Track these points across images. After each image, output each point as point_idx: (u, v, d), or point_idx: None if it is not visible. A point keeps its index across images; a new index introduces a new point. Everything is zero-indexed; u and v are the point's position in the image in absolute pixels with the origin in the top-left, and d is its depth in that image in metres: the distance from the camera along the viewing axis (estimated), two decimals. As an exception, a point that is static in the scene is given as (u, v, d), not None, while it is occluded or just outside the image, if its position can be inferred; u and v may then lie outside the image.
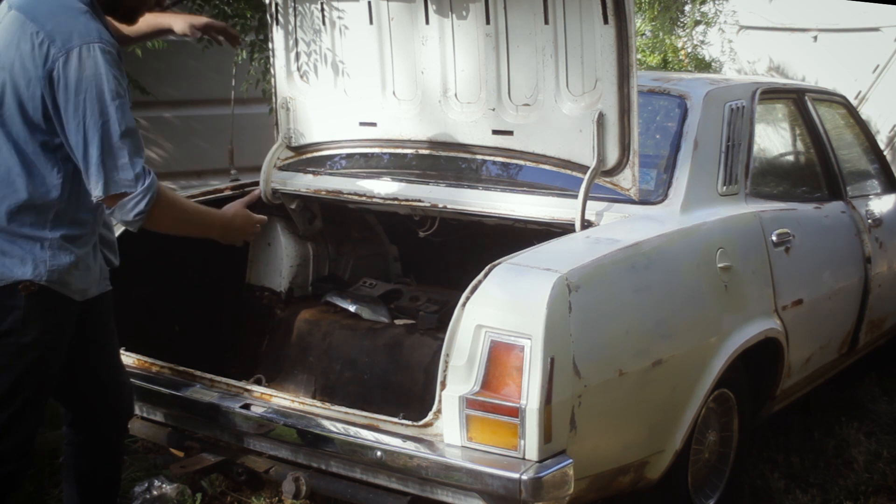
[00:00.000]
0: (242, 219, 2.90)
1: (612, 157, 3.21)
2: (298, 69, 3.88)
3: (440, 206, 3.53)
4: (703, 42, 8.01)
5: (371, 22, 3.65)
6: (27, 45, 2.50)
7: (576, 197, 3.18)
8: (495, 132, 3.48)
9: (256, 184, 3.92)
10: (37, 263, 2.54)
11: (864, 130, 4.95)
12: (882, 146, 5.73)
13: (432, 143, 3.65)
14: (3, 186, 2.55)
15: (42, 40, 2.48)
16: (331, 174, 3.84)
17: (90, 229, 2.66)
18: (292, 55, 3.87)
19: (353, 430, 2.86)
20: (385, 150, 3.79)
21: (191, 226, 2.77)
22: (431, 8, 3.49)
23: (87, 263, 2.65)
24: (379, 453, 2.77)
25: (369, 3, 3.62)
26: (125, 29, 2.98)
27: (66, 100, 2.47)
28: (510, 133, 3.45)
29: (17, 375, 2.58)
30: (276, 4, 3.80)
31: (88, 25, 2.50)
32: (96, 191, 2.49)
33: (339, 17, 3.72)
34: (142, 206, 2.51)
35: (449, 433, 2.70)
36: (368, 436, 2.82)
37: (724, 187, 3.51)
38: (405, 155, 3.73)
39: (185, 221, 2.72)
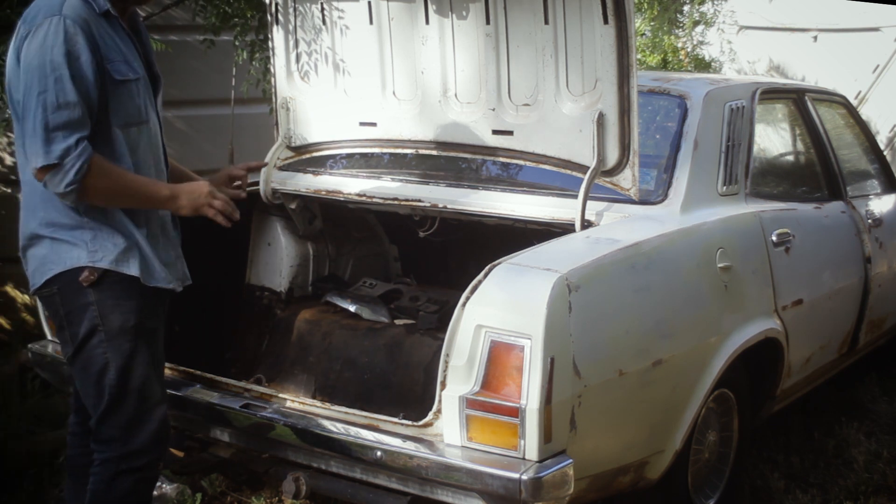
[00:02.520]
0: (196, 188, 2.73)
1: (612, 157, 3.21)
2: (298, 69, 3.88)
3: (440, 206, 3.53)
4: (702, 42, 8.02)
5: (371, 22, 3.65)
6: (15, 41, 2.58)
7: (576, 197, 3.18)
8: (495, 132, 3.48)
9: (256, 184, 3.92)
10: (89, 249, 2.59)
11: (864, 130, 4.95)
12: (882, 146, 5.73)
13: (432, 143, 3.65)
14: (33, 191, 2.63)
15: (19, 27, 2.56)
16: (331, 174, 3.84)
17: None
18: (292, 55, 3.87)
19: (353, 430, 2.86)
20: (385, 150, 3.79)
21: (131, 198, 2.65)
22: (431, 8, 3.49)
23: (143, 247, 2.67)
24: (379, 453, 2.77)
25: (369, 3, 3.62)
26: None
27: (21, 76, 2.52)
28: (510, 133, 3.45)
29: (120, 367, 2.63)
30: (276, 4, 3.80)
31: (54, 1, 2.53)
32: (31, 163, 2.51)
33: (340, 17, 3.72)
34: (70, 176, 2.48)
35: (449, 433, 2.70)
36: (368, 436, 2.82)
37: (724, 187, 3.51)
38: (405, 155, 3.73)
39: (123, 193, 2.62)
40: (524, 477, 2.54)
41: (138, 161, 2.70)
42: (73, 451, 2.96)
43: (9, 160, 5.17)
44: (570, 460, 2.63)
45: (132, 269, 2.64)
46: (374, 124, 3.77)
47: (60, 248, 2.61)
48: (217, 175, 3.06)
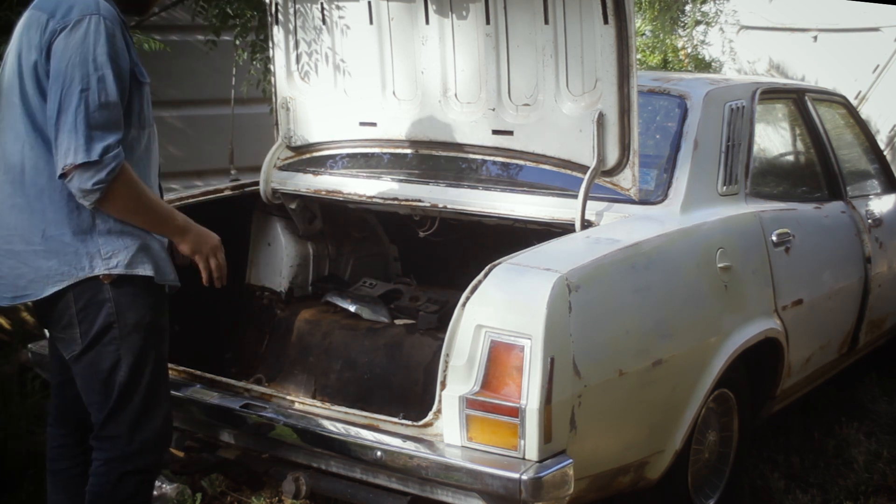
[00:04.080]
0: (206, 236, 2.76)
1: (612, 157, 3.21)
2: (298, 69, 3.88)
3: (440, 206, 3.53)
4: (703, 42, 8.02)
5: (371, 22, 3.65)
6: (35, 33, 2.54)
7: (576, 197, 3.18)
8: (495, 132, 3.48)
9: (256, 184, 3.92)
10: (103, 257, 2.57)
11: (864, 130, 4.95)
12: (882, 146, 5.73)
13: (432, 143, 3.65)
14: (47, 191, 2.58)
15: (45, 20, 2.53)
16: (331, 174, 3.84)
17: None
18: (292, 55, 3.87)
19: (353, 430, 2.86)
20: (385, 150, 3.79)
21: (145, 215, 2.62)
22: (431, 8, 3.49)
23: (150, 245, 2.66)
24: (379, 453, 2.77)
25: (369, 3, 3.62)
26: None
27: (54, 69, 2.49)
28: (510, 133, 3.45)
29: (132, 364, 2.62)
30: (276, 4, 3.80)
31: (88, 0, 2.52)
32: (65, 159, 2.45)
33: (340, 17, 3.72)
34: (102, 174, 2.45)
35: (449, 433, 2.70)
36: (368, 436, 2.82)
37: (724, 187, 3.51)
38: (405, 155, 3.73)
39: (140, 207, 2.59)
40: (524, 477, 2.54)
41: (148, 165, 2.71)
42: (59, 464, 2.91)
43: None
44: (570, 460, 2.63)
45: (147, 270, 2.64)
46: (374, 124, 3.77)
47: (72, 259, 2.57)
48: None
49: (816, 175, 4.34)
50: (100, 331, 2.60)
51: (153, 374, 2.68)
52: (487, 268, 2.77)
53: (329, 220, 4.08)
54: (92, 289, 2.59)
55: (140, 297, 2.64)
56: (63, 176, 2.48)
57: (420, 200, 3.57)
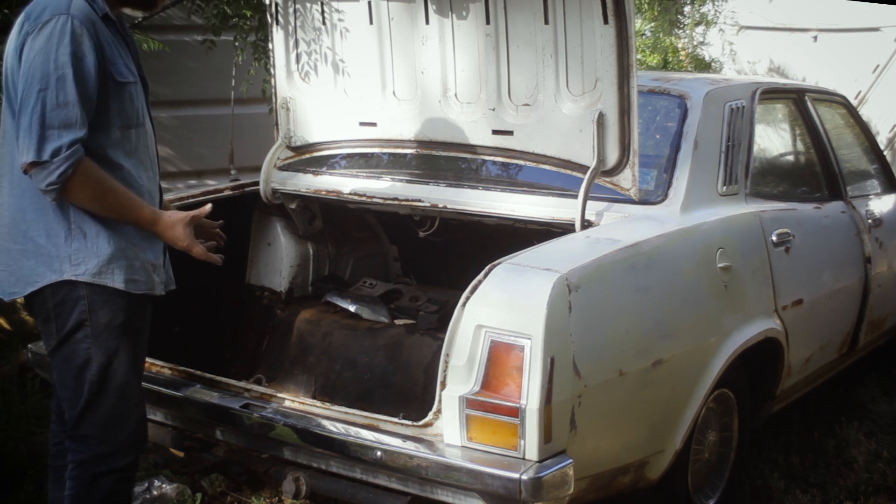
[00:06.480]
0: (176, 234, 2.71)
1: (612, 157, 3.21)
2: (298, 69, 3.89)
3: (440, 206, 3.53)
4: (703, 42, 8.03)
5: (371, 22, 3.65)
6: (16, 36, 2.59)
7: (576, 197, 3.18)
8: (495, 132, 3.48)
9: (256, 184, 3.92)
10: (72, 262, 2.60)
11: (864, 130, 4.95)
12: (882, 146, 5.73)
13: (432, 143, 3.65)
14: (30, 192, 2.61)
15: (23, 22, 2.56)
16: (331, 174, 3.84)
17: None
18: (292, 55, 3.87)
19: (353, 430, 2.86)
20: (385, 150, 3.79)
21: (112, 209, 2.61)
22: (431, 8, 3.49)
23: (127, 254, 2.66)
24: (379, 453, 2.77)
25: (369, 3, 3.62)
26: None
27: (21, 71, 2.53)
28: (510, 133, 3.45)
29: (102, 363, 2.63)
30: (276, 4, 3.80)
31: (61, 0, 2.54)
32: (21, 157, 2.51)
33: (340, 18, 3.72)
34: (53, 177, 2.48)
35: (449, 433, 2.70)
36: (368, 436, 2.82)
37: (724, 187, 3.51)
38: (405, 155, 3.73)
39: (105, 202, 2.59)
40: (524, 477, 2.54)
41: (138, 163, 2.71)
42: (60, 461, 2.91)
43: None
44: (570, 460, 2.63)
45: (116, 281, 2.63)
46: (374, 124, 3.77)
47: (46, 261, 2.61)
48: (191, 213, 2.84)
49: (816, 175, 4.34)
50: (73, 327, 2.63)
51: (126, 376, 2.68)
52: (487, 268, 2.77)
53: (329, 220, 4.08)
54: (68, 286, 2.61)
55: (115, 298, 2.65)
56: (25, 172, 2.53)
57: (420, 200, 3.57)
